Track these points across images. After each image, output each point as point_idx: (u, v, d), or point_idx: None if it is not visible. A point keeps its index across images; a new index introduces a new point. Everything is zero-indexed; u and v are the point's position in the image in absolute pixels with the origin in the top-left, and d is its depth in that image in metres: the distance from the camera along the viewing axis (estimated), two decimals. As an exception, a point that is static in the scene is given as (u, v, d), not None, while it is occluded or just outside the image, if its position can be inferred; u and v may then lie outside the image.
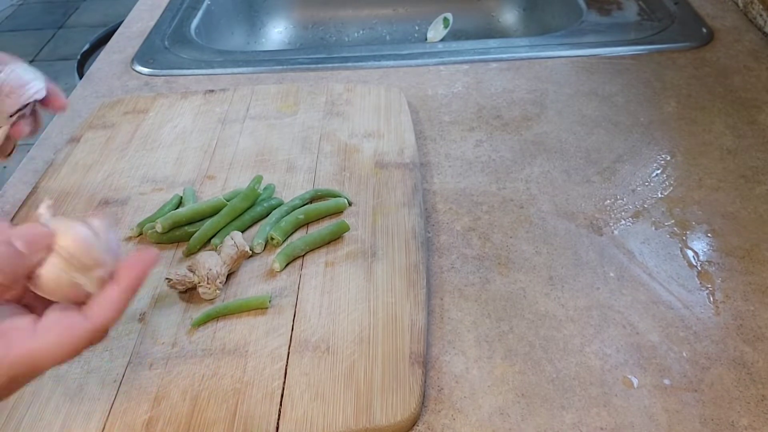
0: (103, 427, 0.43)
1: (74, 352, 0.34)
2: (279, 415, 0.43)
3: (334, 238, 0.56)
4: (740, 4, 0.92)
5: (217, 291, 0.51)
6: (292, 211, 0.58)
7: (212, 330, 0.49)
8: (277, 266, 0.53)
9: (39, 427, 0.43)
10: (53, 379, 0.46)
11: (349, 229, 0.56)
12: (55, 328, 0.33)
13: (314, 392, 0.44)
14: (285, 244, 0.55)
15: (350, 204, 0.60)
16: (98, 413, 0.44)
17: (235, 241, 0.53)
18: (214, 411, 0.44)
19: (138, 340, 0.49)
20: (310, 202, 0.60)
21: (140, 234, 0.57)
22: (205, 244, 0.56)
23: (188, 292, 0.52)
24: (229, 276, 0.53)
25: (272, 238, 0.55)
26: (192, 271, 0.51)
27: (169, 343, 0.48)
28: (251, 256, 0.55)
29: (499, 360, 0.48)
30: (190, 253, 0.55)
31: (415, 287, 0.51)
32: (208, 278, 0.51)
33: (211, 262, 0.51)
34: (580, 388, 0.46)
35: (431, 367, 0.47)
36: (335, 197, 0.60)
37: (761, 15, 0.87)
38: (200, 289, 0.51)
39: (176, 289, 0.52)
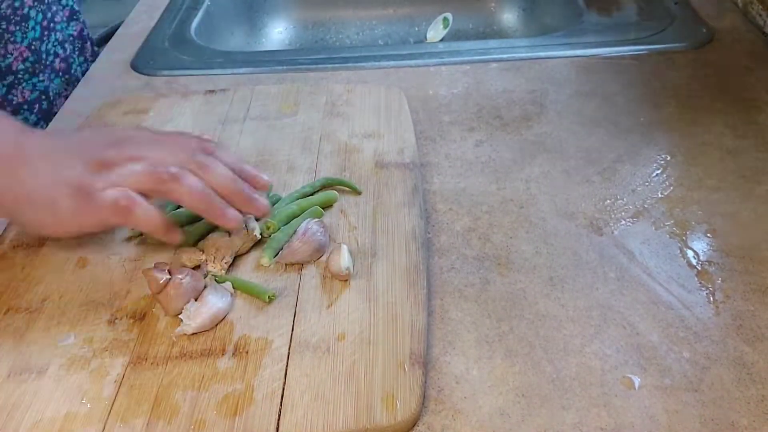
0: (103, 427, 0.43)
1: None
2: (279, 416, 0.43)
3: (320, 216, 0.57)
4: (740, 4, 0.92)
5: (223, 271, 0.53)
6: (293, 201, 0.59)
7: (212, 330, 0.49)
8: (265, 260, 0.54)
9: (39, 427, 0.43)
10: (53, 379, 0.46)
11: (336, 199, 0.59)
12: None
13: (314, 393, 0.44)
14: (270, 238, 0.56)
15: (359, 193, 0.61)
16: (98, 413, 0.44)
17: (246, 225, 0.55)
18: (214, 411, 0.44)
19: (138, 339, 0.49)
20: (320, 190, 0.61)
21: (140, 234, 0.57)
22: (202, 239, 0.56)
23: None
24: (228, 272, 0.53)
25: (268, 227, 0.56)
26: (201, 250, 0.54)
27: (169, 342, 0.48)
28: (259, 240, 0.56)
29: (500, 360, 0.48)
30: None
31: (416, 287, 0.51)
32: (215, 257, 0.53)
33: (220, 242, 0.54)
34: (581, 389, 0.46)
35: (431, 368, 0.47)
36: (345, 185, 0.61)
37: (761, 15, 0.87)
38: (208, 267, 0.53)
39: (185, 266, 0.53)
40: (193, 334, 0.49)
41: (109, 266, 0.55)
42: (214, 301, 0.50)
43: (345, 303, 0.51)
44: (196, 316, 0.49)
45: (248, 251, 0.55)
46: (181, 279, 0.49)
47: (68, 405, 0.44)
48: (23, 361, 0.48)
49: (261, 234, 0.56)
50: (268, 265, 0.54)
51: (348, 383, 0.45)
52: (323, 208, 0.59)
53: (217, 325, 0.49)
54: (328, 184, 0.61)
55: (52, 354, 0.48)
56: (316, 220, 0.56)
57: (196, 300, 0.50)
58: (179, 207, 0.59)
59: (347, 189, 0.61)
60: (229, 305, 0.50)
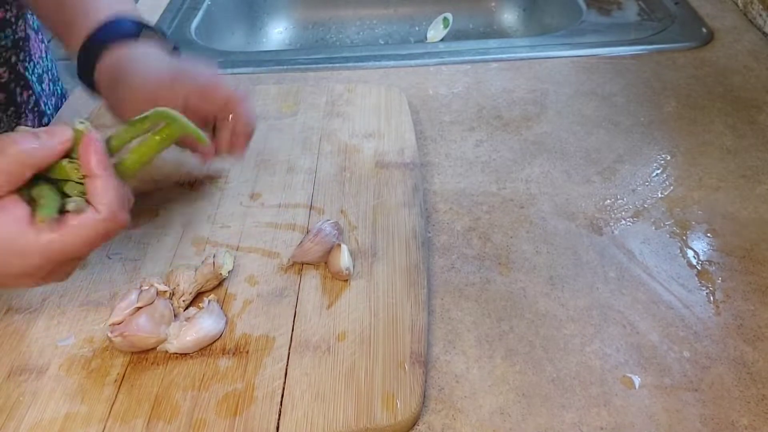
0: (104, 427, 0.43)
1: (93, 242, 0.42)
2: (279, 415, 0.43)
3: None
4: (740, 4, 0.92)
5: (180, 308, 0.50)
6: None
7: (212, 330, 0.49)
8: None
9: (39, 428, 0.43)
10: (53, 379, 0.46)
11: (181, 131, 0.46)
12: (74, 224, 0.41)
13: (315, 392, 0.44)
14: None
15: (204, 142, 0.50)
16: (98, 413, 0.44)
17: (215, 260, 0.52)
18: (214, 411, 0.44)
19: (138, 340, 0.49)
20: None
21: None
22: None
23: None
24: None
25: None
26: (166, 283, 0.51)
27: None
28: (226, 278, 0.53)
29: (500, 360, 0.48)
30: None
31: (416, 287, 0.51)
32: (173, 293, 0.50)
33: (182, 278, 0.51)
34: (581, 388, 0.46)
35: (432, 367, 0.47)
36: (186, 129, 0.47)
37: (761, 15, 0.87)
38: (172, 301, 0.50)
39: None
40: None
41: (109, 266, 0.55)
42: (205, 325, 0.48)
43: (345, 303, 0.51)
44: (183, 336, 0.47)
45: (214, 288, 0.53)
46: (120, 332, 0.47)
47: (68, 405, 0.44)
48: (23, 361, 0.48)
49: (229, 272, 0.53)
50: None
51: (348, 383, 0.45)
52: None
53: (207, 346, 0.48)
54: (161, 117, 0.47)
55: (52, 354, 0.48)
56: (331, 221, 0.55)
57: (187, 321, 0.48)
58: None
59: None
60: (219, 332, 0.48)
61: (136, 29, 0.58)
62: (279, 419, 0.43)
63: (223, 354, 0.47)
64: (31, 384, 0.46)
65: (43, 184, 0.43)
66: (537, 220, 0.60)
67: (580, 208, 0.61)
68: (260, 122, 0.71)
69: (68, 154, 0.43)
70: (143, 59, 0.56)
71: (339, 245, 0.53)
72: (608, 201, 0.61)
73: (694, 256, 0.55)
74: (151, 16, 0.98)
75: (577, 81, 0.79)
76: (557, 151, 0.68)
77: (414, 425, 0.44)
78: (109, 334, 0.47)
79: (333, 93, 0.75)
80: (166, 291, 0.50)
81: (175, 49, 0.60)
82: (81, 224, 0.42)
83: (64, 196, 0.43)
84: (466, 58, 0.84)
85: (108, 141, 0.45)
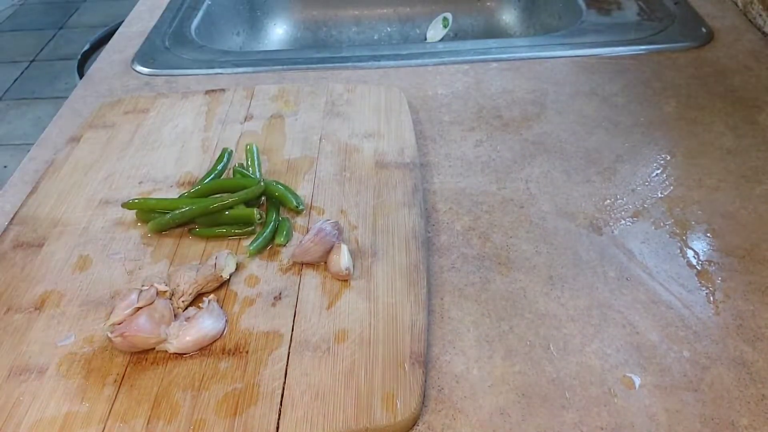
0: (104, 427, 0.43)
1: None
2: (279, 415, 0.43)
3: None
4: (740, 4, 0.92)
5: (180, 309, 0.50)
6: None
7: (212, 330, 0.49)
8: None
9: (39, 427, 0.43)
10: (53, 379, 0.46)
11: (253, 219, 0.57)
12: None
13: (314, 392, 0.44)
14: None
15: (298, 208, 0.59)
16: (98, 413, 0.44)
17: (216, 261, 0.52)
18: (214, 411, 0.44)
19: (138, 340, 0.49)
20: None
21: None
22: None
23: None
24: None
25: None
26: (166, 283, 0.51)
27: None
28: (228, 280, 0.53)
29: (500, 360, 0.48)
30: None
31: (416, 287, 0.51)
32: (174, 292, 0.50)
33: (183, 278, 0.51)
34: (581, 388, 0.46)
35: (431, 367, 0.47)
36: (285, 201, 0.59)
37: (761, 15, 0.87)
38: (172, 300, 0.50)
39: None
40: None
41: (109, 266, 0.55)
42: (205, 325, 0.48)
43: (345, 303, 0.51)
44: (182, 336, 0.47)
45: (214, 289, 0.53)
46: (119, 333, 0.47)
47: (68, 405, 0.44)
48: (23, 361, 0.48)
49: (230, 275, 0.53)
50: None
51: (348, 383, 0.45)
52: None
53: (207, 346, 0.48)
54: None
55: (52, 354, 0.48)
56: (331, 221, 0.55)
57: (187, 321, 0.48)
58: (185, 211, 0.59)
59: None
60: (219, 332, 0.48)
61: None
62: (279, 419, 0.43)
63: (222, 354, 0.47)
64: (31, 384, 0.46)
65: None
66: (537, 220, 0.60)
67: (580, 208, 0.61)
68: (260, 122, 0.71)
69: None
70: None
71: (339, 245, 0.53)
72: (608, 201, 0.61)
73: (694, 256, 0.55)
74: (151, 16, 0.98)
75: (577, 81, 0.79)
76: (557, 151, 0.68)
77: (414, 425, 0.44)
78: (109, 335, 0.47)
79: (333, 93, 0.75)
80: (166, 291, 0.50)
81: None
82: None
83: None
84: (466, 58, 0.84)
85: None
